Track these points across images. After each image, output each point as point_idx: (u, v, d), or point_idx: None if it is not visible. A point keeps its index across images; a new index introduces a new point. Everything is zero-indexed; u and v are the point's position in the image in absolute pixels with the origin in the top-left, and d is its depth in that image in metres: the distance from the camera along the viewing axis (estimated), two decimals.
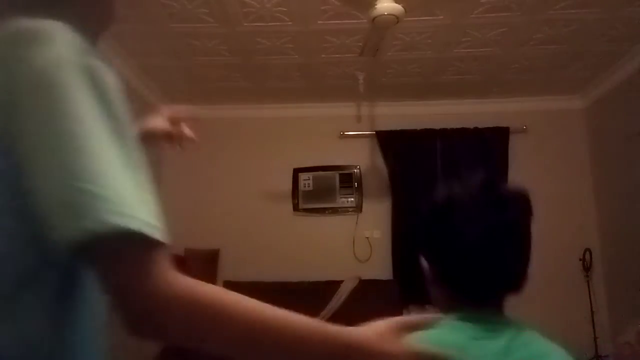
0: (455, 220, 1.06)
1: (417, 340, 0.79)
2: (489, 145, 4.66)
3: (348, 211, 4.71)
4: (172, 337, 0.62)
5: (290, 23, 3.32)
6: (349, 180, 4.75)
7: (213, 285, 0.62)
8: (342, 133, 4.83)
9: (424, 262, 1.12)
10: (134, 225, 0.55)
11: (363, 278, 4.13)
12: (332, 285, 4.19)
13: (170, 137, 1.31)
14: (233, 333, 0.60)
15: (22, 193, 0.57)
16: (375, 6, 2.64)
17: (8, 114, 0.58)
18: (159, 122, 1.29)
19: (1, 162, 0.58)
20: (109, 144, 0.58)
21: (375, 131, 4.77)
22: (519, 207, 1.04)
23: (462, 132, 4.69)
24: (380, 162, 4.78)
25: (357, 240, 4.64)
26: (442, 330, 0.94)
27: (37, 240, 0.58)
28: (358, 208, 4.73)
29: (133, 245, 0.56)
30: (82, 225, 0.53)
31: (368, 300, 3.83)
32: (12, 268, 0.59)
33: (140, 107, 4.46)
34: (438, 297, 1.11)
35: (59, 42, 0.60)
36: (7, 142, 0.57)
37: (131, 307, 0.56)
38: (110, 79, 0.63)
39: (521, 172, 4.65)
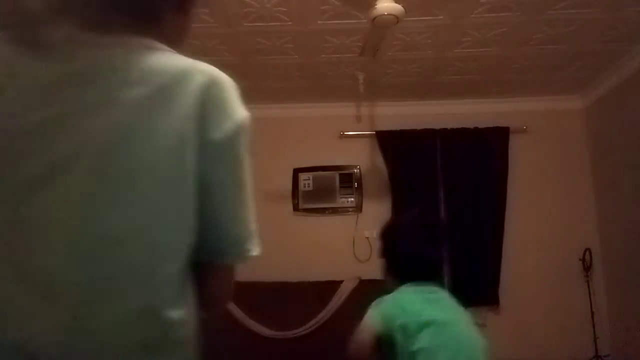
0: (396, 236, 1.91)
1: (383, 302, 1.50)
2: (489, 145, 4.66)
3: (348, 211, 4.71)
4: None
5: (290, 23, 3.32)
6: (349, 180, 4.75)
7: None
8: (342, 133, 4.83)
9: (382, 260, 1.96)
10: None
11: (363, 278, 4.13)
12: (332, 285, 4.19)
13: None
14: None
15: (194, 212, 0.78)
16: (375, 6, 2.64)
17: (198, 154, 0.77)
18: None
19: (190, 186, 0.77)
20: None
21: (375, 131, 4.77)
22: (439, 231, 2.03)
23: (462, 132, 4.69)
24: (380, 162, 4.78)
25: (357, 240, 4.64)
26: (400, 293, 1.77)
27: (190, 245, 0.79)
28: (358, 208, 4.73)
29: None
30: (248, 250, 0.86)
31: (368, 300, 3.83)
32: (187, 260, 0.80)
33: None
34: (389, 280, 1.94)
35: (241, 105, 0.91)
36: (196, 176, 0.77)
37: (230, 294, 0.99)
38: None
39: (521, 172, 4.66)
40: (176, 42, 0.88)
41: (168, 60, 0.79)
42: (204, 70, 0.82)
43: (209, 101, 0.79)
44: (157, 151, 0.72)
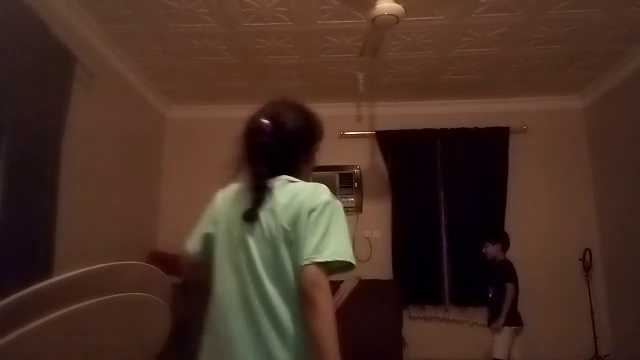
0: None
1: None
2: (489, 145, 4.66)
3: (348, 211, 4.71)
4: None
5: (290, 23, 3.32)
6: (349, 180, 4.75)
7: None
8: (342, 133, 4.83)
9: None
10: (354, 261, 1.27)
11: (363, 278, 4.11)
12: (332, 285, 4.16)
13: None
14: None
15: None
16: (375, 6, 2.64)
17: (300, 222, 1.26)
18: None
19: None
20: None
21: (375, 131, 4.77)
22: None
23: (462, 132, 4.69)
24: (380, 162, 4.78)
25: (357, 240, 4.64)
26: None
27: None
28: (358, 208, 4.73)
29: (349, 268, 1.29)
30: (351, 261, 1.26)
31: (368, 300, 3.83)
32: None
33: (141, 107, 4.47)
34: None
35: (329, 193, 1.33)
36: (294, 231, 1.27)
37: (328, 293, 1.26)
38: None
39: (521, 172, 4.66)
40: (304, 173, 1.43)
41: (297, 185, 1.34)
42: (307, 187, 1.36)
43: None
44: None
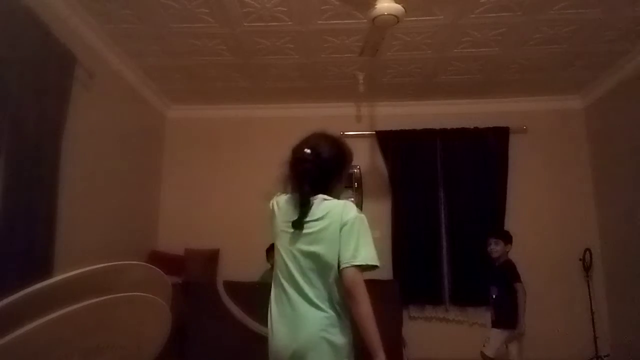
0: None
1: None
2: (489, 145, 4.66)
3: None
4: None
5: (290, 23, 3.32)
6: (349, 180, 4.75)
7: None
8: (342, 133, 4.81)
9: None
10: (379, 263, 1.69)
11: (363, 278, 4.13)
12: None
13: None
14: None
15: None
16: (375, 6, 2.64)
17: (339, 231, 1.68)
18: None
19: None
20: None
21: (375, 131, 4.77)
22: None
23: (462, 132, 4.69)
24: (380, 162, 4.78)
25: None
26: None
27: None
28: (358, 208, 4.72)
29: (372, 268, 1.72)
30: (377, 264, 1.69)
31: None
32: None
33: (141, 107, 4.47)
34: None
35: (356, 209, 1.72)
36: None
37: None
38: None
39: (521, 172, 4.66)
40: (336, 190, 1.82)
41: (331, 202, 1.73)
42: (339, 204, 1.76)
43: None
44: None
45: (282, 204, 1.83)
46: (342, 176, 1.87)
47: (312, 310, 1.65)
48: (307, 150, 1.76)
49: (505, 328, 3.63)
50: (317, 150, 1.76)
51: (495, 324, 3.72)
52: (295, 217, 1.71)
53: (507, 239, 3.86)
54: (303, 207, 1.70)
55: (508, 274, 3.69)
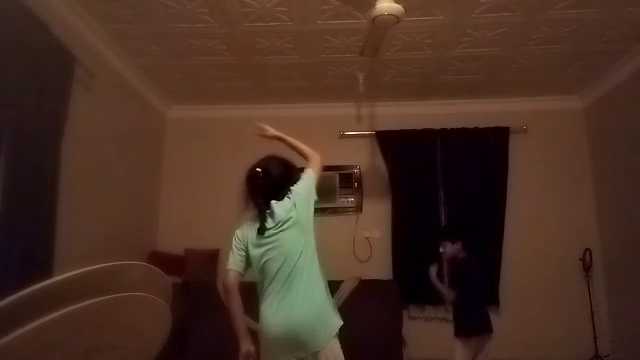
0: None
1: None
2: (489, 145, 4.66)
3: (348, 211, 4.72)
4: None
5: (290, 23, 3.32)
6: (349, 180, 4.75)
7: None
8: (342, 133, 4.83)
9: None
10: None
11: (363, 278, 4.13)
12: (333, 286, 4.17)
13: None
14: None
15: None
16: (375, 6, 2.64)
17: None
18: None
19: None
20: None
21: (375, 131, 4.77)
22: None
23: (462, 132, 4.69)
24: (380, 162, 4.78)
25: (357, 240, 4.65)
26: None
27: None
28: (358, 208, 4.73)
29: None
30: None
31: (368, 300, 3.83)
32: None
33: (141, 107, 4.47)
34: None
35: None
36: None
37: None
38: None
39: (521, 172, 4.66)
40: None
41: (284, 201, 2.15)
42: None
43: None
44: None
45: (244, 230, 2.15)
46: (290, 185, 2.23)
47: (308, 292, 1.99)
48: (258, 169, 2.19)
49: (465, 337, 3.14)
50: (266, 169, 2.18)
51: (459, 333, 3.20)
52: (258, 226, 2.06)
53: (461, 236, 3.38)
54: (261, 214, 2.08)
55: (464, 274, 3.28)
